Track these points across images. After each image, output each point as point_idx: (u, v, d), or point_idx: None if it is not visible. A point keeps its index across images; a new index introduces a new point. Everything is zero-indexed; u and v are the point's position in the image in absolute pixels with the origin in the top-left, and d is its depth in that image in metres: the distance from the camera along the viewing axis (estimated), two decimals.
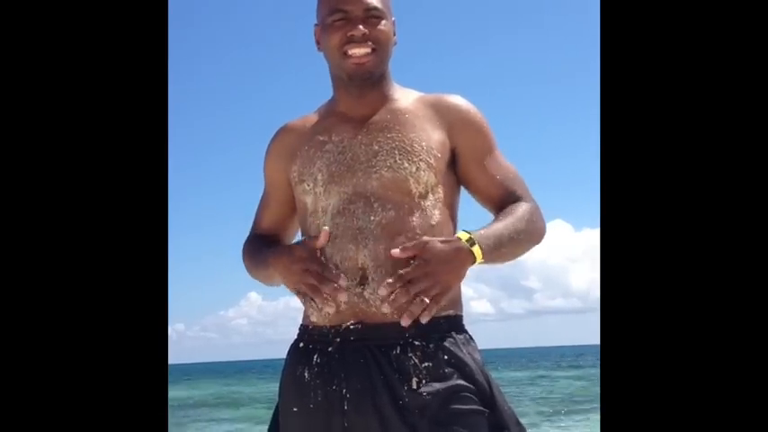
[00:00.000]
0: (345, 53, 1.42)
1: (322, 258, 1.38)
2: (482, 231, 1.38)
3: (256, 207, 1.65)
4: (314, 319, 1.40)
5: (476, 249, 1.35)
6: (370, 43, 1.41)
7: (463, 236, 1.36)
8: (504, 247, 1.41)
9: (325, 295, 1.34)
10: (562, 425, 11.87)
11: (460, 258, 1.35)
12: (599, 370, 1.22)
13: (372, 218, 1.37)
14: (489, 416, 1.34)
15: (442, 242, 1.34)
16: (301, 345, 1.43)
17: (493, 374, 1.43)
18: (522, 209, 1.46)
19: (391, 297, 1.31)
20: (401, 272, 1.32)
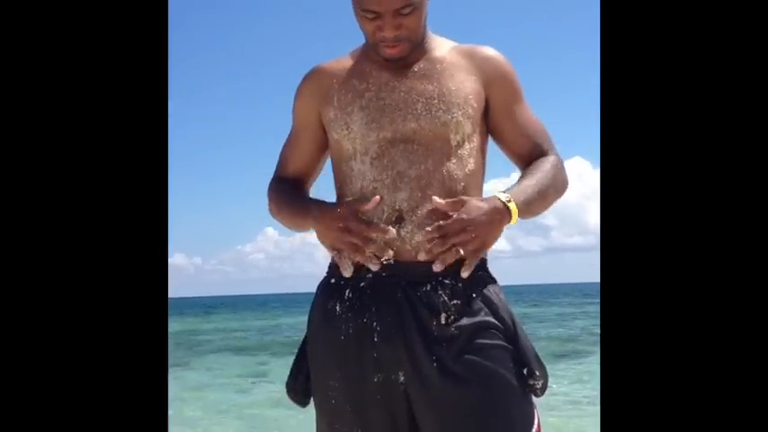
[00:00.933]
0: (377, 44, 1.44)
1: (362, 197, 1.43)
2: (515, 190, 1.44)
3: (281, 149, 1.62)
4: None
5: (512, 207, 1.41)
6: (400, 40, 1.42)
7: (501, 195, 1.41)
8: (534, 203, 1.47)
9: (368, 254, 1.39)
10: (580, 360, 11.99)
11: (499, 217, 1.40)
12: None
13: (411, 163, 1.42)
14: (512, 351, 1.41)
15: (480, 200, 1.40)
16: (333, 281, 1.47)
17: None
18: (548, 164, 1.52)
19: (428, 246, 1.38)
20: (440, 223, 1.37)
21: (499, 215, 1.39)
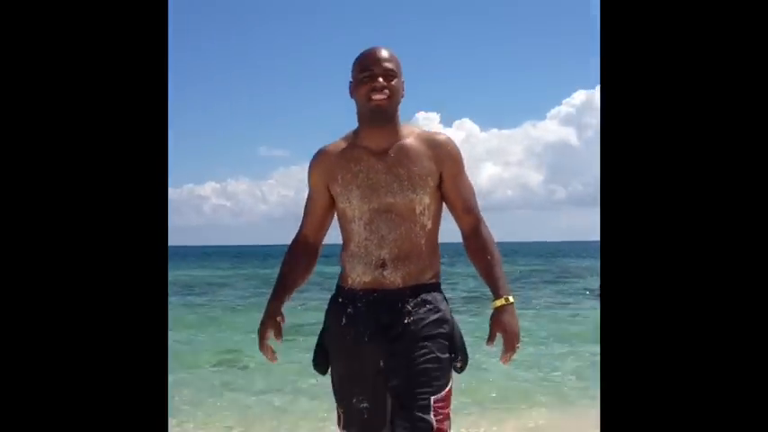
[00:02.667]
0: (370, 98, 2.14)
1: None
2: (502, 286, 2.18)
3: (303, 210, 2.37)
4: (349, 282, 2.23)
5: (511, 299, 2.17)
6: (386, 91, 2.13)
7: (503, 301, 2.17)
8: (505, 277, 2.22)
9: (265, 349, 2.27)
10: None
11: (514, 313, 2.18)
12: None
13: (390, 229, 2.17)
14: (449, 342, 2.19)
15: (505, 317, 2.16)
16: (340, 300, 2.26)
17: None
18: (488, 243, 2.25)
19: (504, 362, 2.16)
20: (512, 356, 2.17)
21: (513, 312, 2.16)
